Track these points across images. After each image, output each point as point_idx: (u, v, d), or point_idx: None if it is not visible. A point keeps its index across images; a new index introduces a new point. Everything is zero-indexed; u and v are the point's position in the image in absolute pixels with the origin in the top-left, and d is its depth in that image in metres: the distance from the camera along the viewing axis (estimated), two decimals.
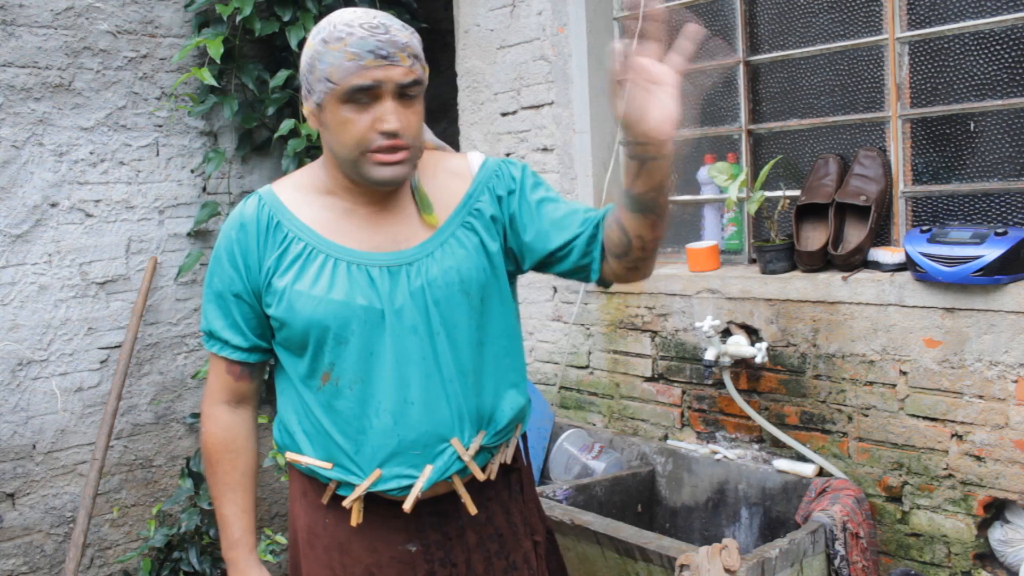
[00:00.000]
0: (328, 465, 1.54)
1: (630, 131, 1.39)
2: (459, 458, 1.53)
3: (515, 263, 1.62)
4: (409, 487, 1.51)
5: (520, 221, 1.58)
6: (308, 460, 1.55)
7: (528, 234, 1.58)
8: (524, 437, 1.77)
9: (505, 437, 1.61)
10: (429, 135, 1.67)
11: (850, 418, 2.40)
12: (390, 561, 1.56)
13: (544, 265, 1.60)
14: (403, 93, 1.43)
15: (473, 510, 1.56)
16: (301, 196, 1.56)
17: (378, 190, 1.51)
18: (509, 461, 1.64)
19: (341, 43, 1.40)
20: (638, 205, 1.44)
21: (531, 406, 1.70)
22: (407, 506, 1.50)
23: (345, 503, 1.53)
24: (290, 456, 1.58)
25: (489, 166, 1.61)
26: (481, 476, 1.56)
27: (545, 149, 3.15)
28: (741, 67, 2.76)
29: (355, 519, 1.54)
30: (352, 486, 1.53)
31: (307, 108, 1.49)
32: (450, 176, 1.59)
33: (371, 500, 1.55)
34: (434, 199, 1.56)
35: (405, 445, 1.50)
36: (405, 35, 1.44)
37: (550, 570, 1.73)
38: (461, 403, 1.53)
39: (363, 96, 1.41)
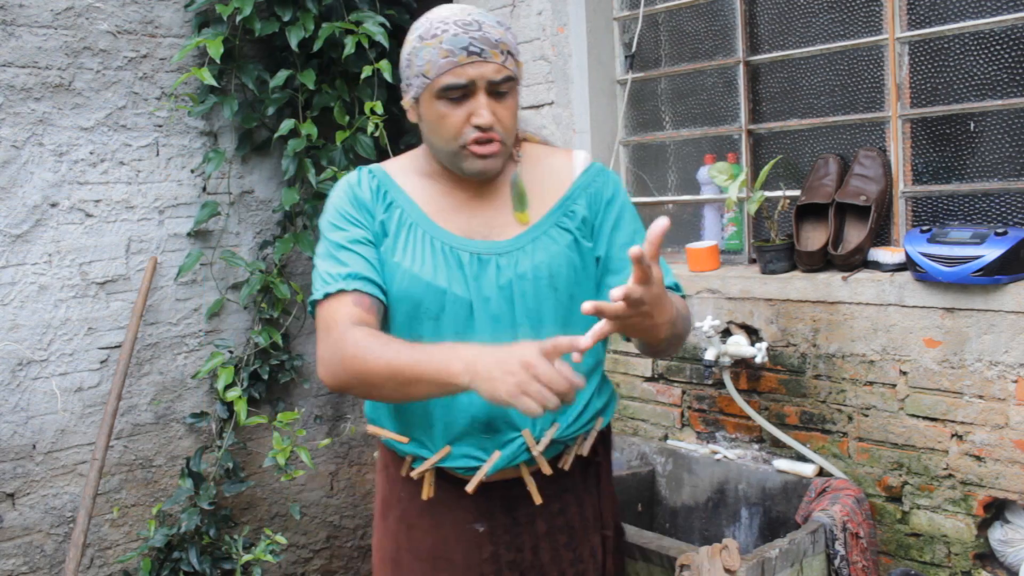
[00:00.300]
0: (405, 439, 1.57)
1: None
2: (528, 449, 1.56)
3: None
4: (476, 468, 1.54)
5: (600, 239, 1.62)
6: (388, 433, 1.58)
7: (599, 251, 1.63)
8: (608, 432, 1.76)
9: (582, 430, 1.62)
10: (533, 129, 1.71)
11: (850, 418, 2.40)
12: (456, 538, 1.60)
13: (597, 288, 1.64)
14: (496, 89, 1.49)
15: (538, 499, 1.58)
16: (406, 175, 1.62)
17: (474, 179, 1.58)
18: (586, 454, 1.65)
19: (436, 40, 1.46)
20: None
21: (615, 402, 1.73)
22: (470, 487, 1.53)
23: (413, 474, 1.57)
24: (371, 429, 1.60)
25: (592, 172, 1.65)
26: (547, 470, 1.57)
27: None
28: (741, 67, 2.76)
29: (426, 492, 1.58)
30: (423, 460, 1.57)
31: (405, 101, 1.55)
32: (551, 173, 1.63)
33: (443, 478, 1.59)
34: (532, 194, 1.60)
35: (477, 427, 1.53)
36: (498, 32, 1.49)
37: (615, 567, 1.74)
38: None
39: (456, 91, 1.47)
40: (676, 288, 1.64)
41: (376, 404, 1.63)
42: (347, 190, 1.60)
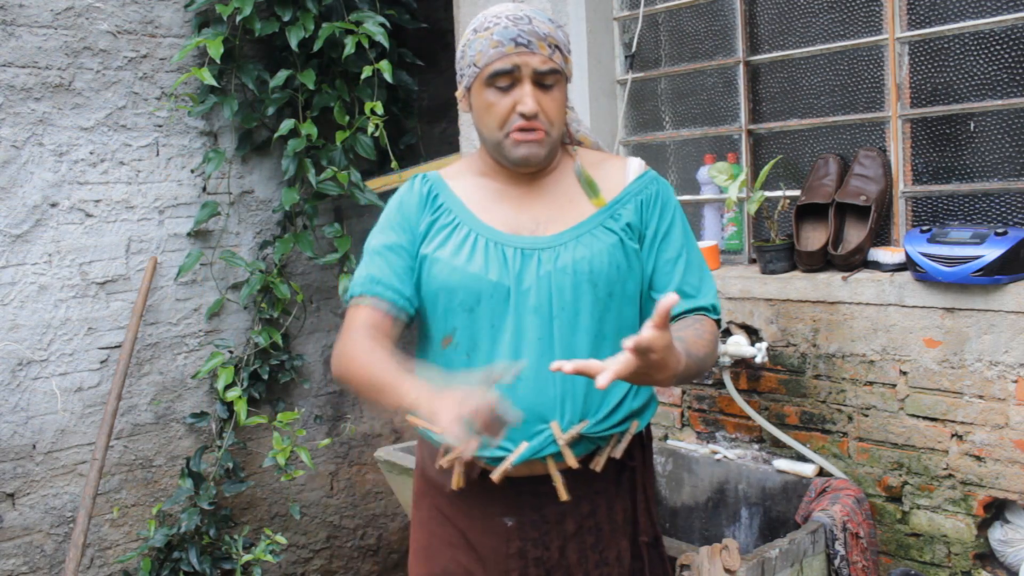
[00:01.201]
0: (438, 429, 1.53)
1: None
2: (555, 441, 1.57)
3: None
4: (503, 458, 1.55)
5: (649, 250, 1.65)
6: (423, 423, 1.54)
7: (647, 263, 1.66)
8: (647, 437, 1.75)
9: (615, 430, 1.62)
10: (584, 130, 1.78)
11: (850, 418, 2.40)
12: (484, 530, 1.62)
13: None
14: (541, 81, 1.55)
15: (563, 495, 1.56)
16: (462, 177, 1.69)
17: (525, 173, 1.63)
18: (619, 456, 1.64)
19: (487, 32, 1.56)
20: None
21: (655, 407, 1.73)
22: (495, 476, 1.53)
23: (443, 462, 1.58)
24: (409, 418, 1.57)
25: (645, 179, 1.68)
26: (573, 464, 1.56)
27: None
28: (741, 67, 2.76)
29: (456, 482, 1.60)
30: (450, 450, 1.57)
31: (459, 92, 1.63)
32: (604, 177, 1.68)
33: (472, 468, 1.60)
34: (581, 193, 1.65)
35: None
36: (547, 27, 1.59)
37: None
38: (568, 388, 1.57)
39: (503, 79, 1.54)
40: (714, 310, 1.67)
41: None
42: (398, 196, 1.69)
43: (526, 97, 1.54)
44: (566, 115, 1.65)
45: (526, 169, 1.62)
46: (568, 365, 1.29)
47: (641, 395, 1.66)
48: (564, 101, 1.61)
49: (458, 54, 1.63)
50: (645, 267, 1.65)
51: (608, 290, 1.59)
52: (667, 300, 1.26)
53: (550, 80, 1.56)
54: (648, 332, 1.26)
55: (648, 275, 1.65)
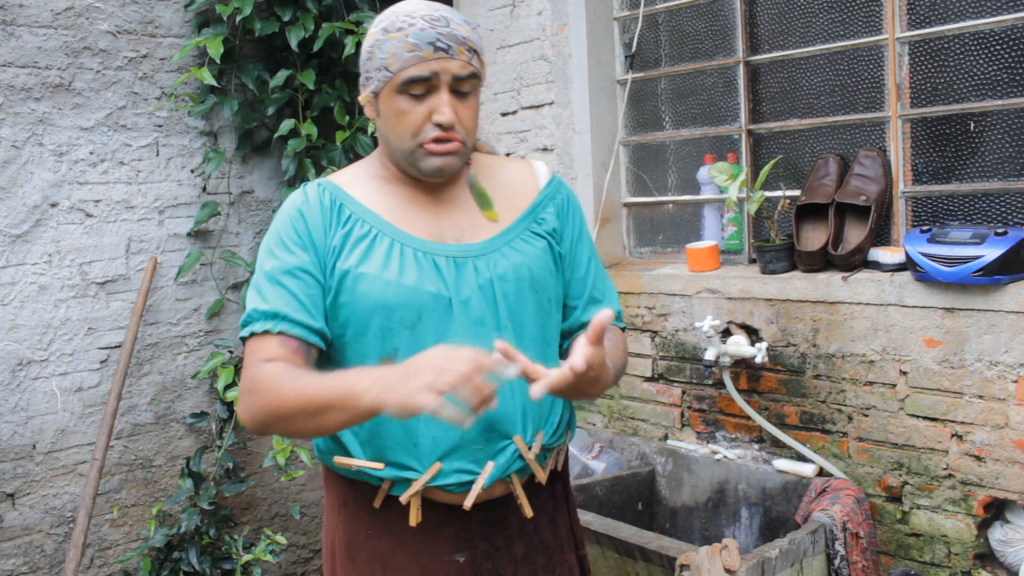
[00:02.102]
0: (380, 465, 1.46)
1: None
2: (520, 456, 1.49)
3: None
4: (469, 483, 1.46)
5: (565, 254, 1.60)
6: (359, 462, 1.46)
7: (565, 267, 1.61)
8: (566, 447, 1.72)
9: (559, 441, 1.57)
10: (484, 137, 1.68)
11: (850, 418, 2.40)
12: (436, 573, 1.49)
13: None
14: (458, 88, 1.44)
15: (530, 512, 1.52)
16: (361, 184, 1.53)
17: (435, 181, 1.51)
18: (560, 467, 1.61)
19: (401, 33, 1.42)
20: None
21: (576, 416, 1.69)
22: (468, 503, 1.44)
23: (403, 498, 1.46)
24: (339, 460, 1.48)
25: (555, 184, 1.62)
26: (543, 476, 1.52)
27: (545, 149, 3.15)
28: (741, 67, 2.76)
29: (414, 518, 1.47)
30: (407, 483, 1.46)
31: (363, 96, 1.49)
32: (512, 181, 1.59)
33: (422, 506, 1.48)
34: (498, 199, 1.55)
35: (468, 439, 1.45)
36: (465, 29, 1.46)
37: None
38: (525, 400, 1.48)
39: (419, 87, 1.42)
40: (618, 318, 1.65)
41: (332, 435, 1.49)
42: (292, 212, 1.48)
43: (443, 107, 1.42)
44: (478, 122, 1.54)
45: (438, 180, 1.50)
46: (516, 363, 1.25)
47: (569, 405, 1.62)
48: (478, 108, 1.51)
49: (364, 54, 1.48)
50: (564, 273, 1.60)
51: (547, 296, 1.54)
52: (602, 317, 1.26)
53: (467, 87, 1.45)
54: (588, 349, 1.27)
55: (565, 281, 1.61)
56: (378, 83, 1.44)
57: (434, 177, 1.48)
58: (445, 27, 1.42)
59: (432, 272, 1.45)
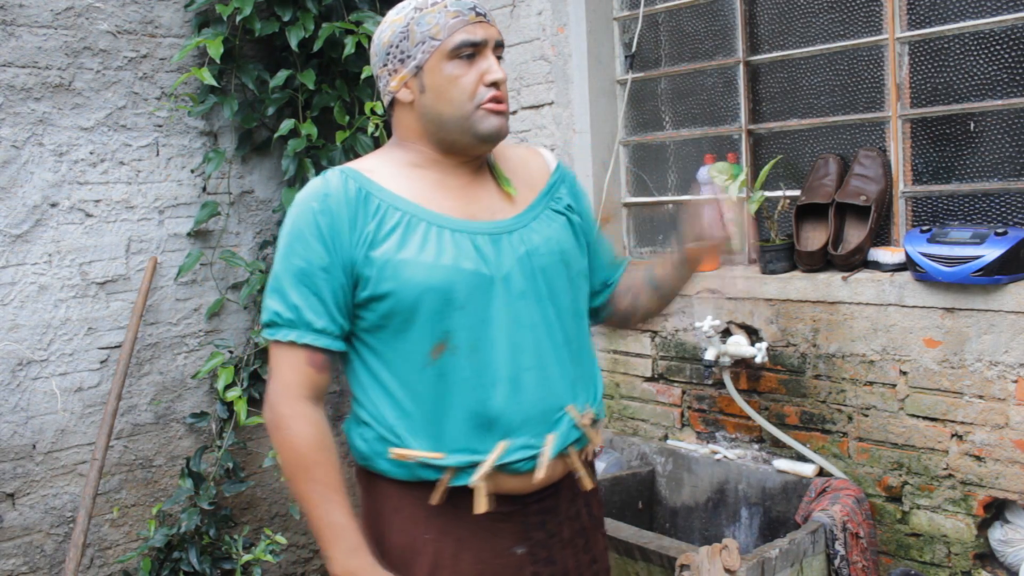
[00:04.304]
0: (441, 455, 1.43)
1: (702, 255, 1.65)
2: (576, 426, 1.51)
3: None
4: (534, 457, 1.46)
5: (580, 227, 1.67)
6: (419, 453, 1.43)
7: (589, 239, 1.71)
8: None
9: (602, 412, 1.60)
10: None
11: (850, 418, 2.40)
12: (498, 570, 1.48)
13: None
14: (496, 50, 1.50)
15: (589, 484, 1.56)
16: (386, 170, 1.51)
17: (467, 163, 1.54)
18: (600, 444, 1.67)
19: (438, 6, 1.47)
20: (662, 289, 1.70)
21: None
22: (540, 474, 1.45)
23: (473, 480, 1.43)
24: (396, 452, 1.44)
25: (561, 167, 1.68)
26: (599, 444, 1.58)
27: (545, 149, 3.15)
28: (741, 67, 2.76)
29: (482, 505, 1.43)
30: (471, 469, 1.44)
31: (397, 80, 1.49)
32: (524, 163, 1.64)
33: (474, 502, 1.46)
34: (516, 179, 1.59)
35: (528, 414, 1.46)
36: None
37: None
38: (571, 371, 1.52)
39: (469, 50, 1.46)
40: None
41: (382, 426, 1.46)
42: (314, 203, 1.45)
43: (494, 67, 1.47)
44: None
45: (490, 146, 1.52)
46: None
47: (601, 378, 1.67)
48: None
49: (392, 39, 1.49)
50: (586, 243, 1.69)
51: (576, 268, 1.58)
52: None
53: (500, 52, 1.51)
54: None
55: (588, 250, 1.70)
56: (424, 55, 1.46)
57: (491, 140, 1.50)
58: (482, 5, 1.50)
59: (472, 251, 1.46)
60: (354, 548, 1.42)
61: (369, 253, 1.43)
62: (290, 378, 1.45)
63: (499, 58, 1.50)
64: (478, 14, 1.47)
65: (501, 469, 1.45)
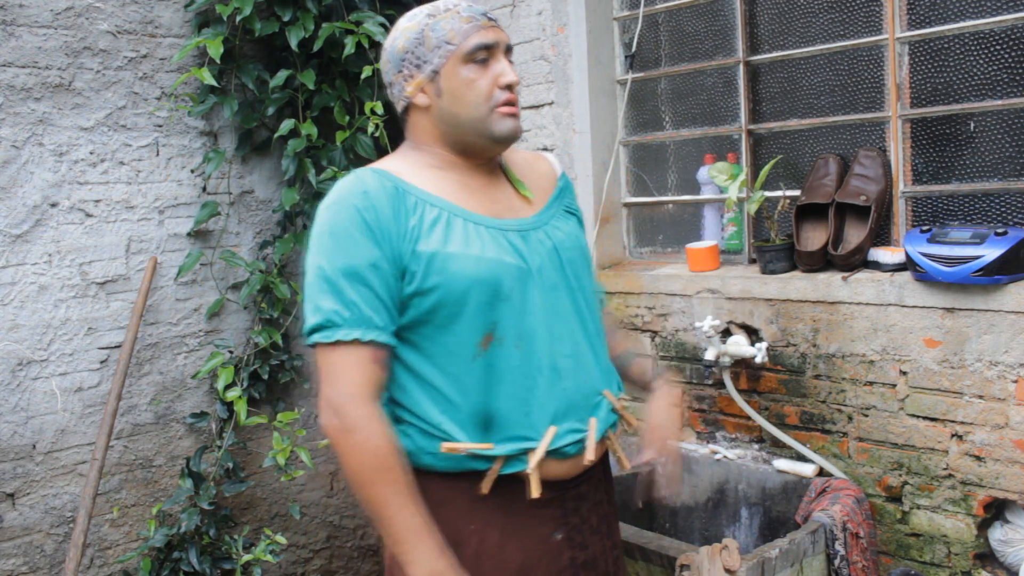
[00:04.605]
0: (490, 445, 1.46)
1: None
2: (613, 409, 1.60)
3: None
4: (581, 441, 1.54)
5: None
6: (468, 445, 1.45)
7: None
8: None
9: (622, 394, 1.69)
10: None
11: (850, 418, 2.40)
12: (540, 556, 1.52)
13: None
14: (508, 57, 1.55)
15: (627, 464, 1.67)
16: (412, 172, 1.54)
17: (482, 165, 1.59)
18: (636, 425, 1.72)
19: (451, 12, 1.52)
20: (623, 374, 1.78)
21: None
22: (590, 455, 1.53)
23: (531, 466, 1.46)
24: (447, 447, 1.44)
25: (565, 175, 1.76)
26: (635, 422, 1.66)
27: (545, 149, 3.15)
28: (741, 67, 2.76)
29: (536, 490, 1.47)
30: (522, 457, 1.47)
31: (413, 86, 1.53)
32: (533, 164, 1.71)
33: (519, 490, 1.48)
34: (531, 176, 1.67)
35: (571, 399, 1.53)
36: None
37: None
38: (602, 357, 1.62)
39: (483, 54, 1.51)
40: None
41: (427, 423, 1.46)
42: (356, 200, 1.44)
43: (507, 70, 1.52)
44: None
45: (504, 147, 1.57)
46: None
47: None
48: None
49: (407, 44, 1.53)
50: None
51: (589, 265, 1.67)
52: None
53: (511, 56, 1.57)
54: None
55: None
56: (440, 59, 1.50)
57: (506, 141, 1.55)
58: (483, 5, 1.59)
59: (508, 245, 1.51)
60: (438, 550, 1.41)
61: (416, 247, 1.44)
62: (358, 378, 1.41)
63: (510, 61, 1.56)
64: (489, 19, 1.53)
65: (551, 455, 1.50)
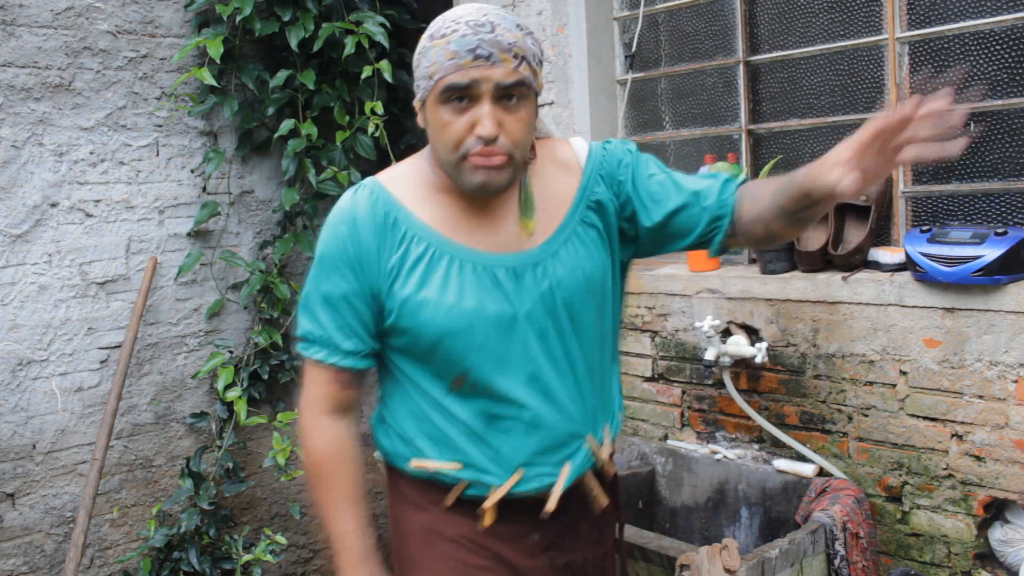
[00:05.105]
0: (458, 466, 1.48)
1: (843, 186, 1.28)
2: (592, 455, 1.54)
3: (633, 249, 1.59)
4: (549, 486, 1.49)
5: (637, 203, 1.54)
6: (436, 464, 1.49)
7: (646, 216, 1.53)
8: None
9: (619, 429, 1.63)
10: (543, 124, 1.61)
11: (850, 418, 2.40)
12: (518, 550, 1.53)
13: (664, 240, 1.56)
14: (505, 95, 1.37)
15: (605, 501, 1.57)
16: (413, 192, 1.48)
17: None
18: (614, 473, 1.66)
19: (444, 40, 1.37)
20: (797, 219, 1.45)
21: None
22: (551, 506, 1.48)
23: (486, 505, 1.48)
24: (416, 463, 1.50)
25: (596, 154, 1.56)
26: (613, 469, 1.59)
27: None
28: (741, 67, 2.76)
29: (488, 520, 1.49)
30: (484, 486, 1.48)
31: (416, 104, 1.46)
32: (559, 168, 1.54)
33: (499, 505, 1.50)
34: (546, 194, 1.51)
35: (546, 446, 1.48)
36: (513, 35, 1.37)
37: None
38: (592, 401, 1.54)
39: (460, 96, 1.36)
40: (729, 183, 1.55)
41: (402, 436, 1.53)
42: (344, 228, 1.45)
43: (484, 119, 1.35)
44: (532, 134, 1.45)
45: (484, 196, 1.45)
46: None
47: (621, 393, 1.69)
48: (531, 119, 1.42)
49: (414, 61, 1.44)
50: (639, 208, 1.54)
51: (602, 292, 1.53)
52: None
53: (516, 93, 1.37)
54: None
55: (646, 199, 1.53)
56: (423, 92, 1.40)
57: (478, 193, 1.42)
58: (489, 33, 1.35)
59: (493, 289, 1.44)
60: (361, 557, 1.50)
61: (392, 287, 1.44)
62: (316, 393, 1.51)
63: (510, 103, 1.37)
64: (478, 57, 1.34)
65: (512, 494, 1.49)
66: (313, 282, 1.49)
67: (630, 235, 1.57)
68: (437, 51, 1.37)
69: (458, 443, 1.48)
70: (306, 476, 1.54)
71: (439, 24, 1.40)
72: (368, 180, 1.51)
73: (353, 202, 1.47)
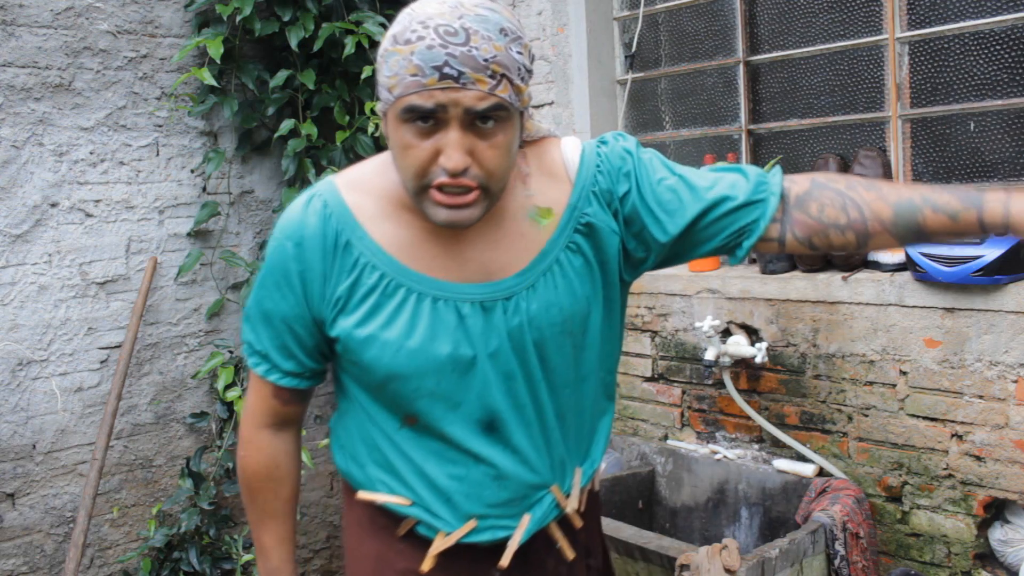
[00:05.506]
0: (408, 502, 1.35)
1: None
2: (558, 505, 1.39)
3: (645, 267, 1.39)
4: (505, 538, 1.35)
5: (647, 216, 1.32)
6: (384, 498, 1.36)
7: (659, 230, 1.32)
8: None
9: (591, 476, 1.46)
10: (538, 125, 1.38)
11: (850, 418, 2.40)
12: (474, 572, 1.39)
13: (681, 253, 1.36)
14: (481, 116, 1.15)
15: (571, 555, 1.42)
16: (375, 205, 1.29)
17: None
18: (597, 487, 1.52)
19: (408, 47, 1.14)
20: (921, 238, 1.30)
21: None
22: (504, 561, 1.33)
23: (431, 553, 1.34)
24: (363, 496, 1.38)
25: (588, 163, 1.33)
26: (579, 523, 1.42)
27: None
28: (741, 67, 2.76)
29: (427, 564, 1.34)
30: (433, 527, 1.35)
31: (379, 111, 1.24)
32: (546, 178, 1.33)
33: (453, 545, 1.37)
34: (528, 210, 1.32)
35: (504, 499, 1.34)
36: (492, 46, 1.14)
37: None
38: (561, 449, 1.37)
39: (423, 118, 1.15)
40: (762, 182, 1.34)
41: (356, 460, 1.40)
42: (293, 244, 1.28)
43: (450, 149, 1.14)
44: (513, 160, 1.23)
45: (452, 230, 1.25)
46: None
47: (611, 415, 1.50)
48: (511, 143, 1.20)
49: (376, 61, 1.21)
50: (647, 221, 1.33)
51: (583, 328, 1.34)
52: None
53: (492, 116, 1.15)
54: None
55: (662, 223, 1.32)
56: (384, 104, 1.20)
57: (446, 227, 1.23)
58: (462, 45, 1.12)
59: (454, 327, 1.27)
60: (272, 570, 1.48)
61: (336, 319, 1.29)
62: (257, 405, 1.42)
63: (485, 126, 1.16)
64: (444, 76, 1.12)
65: (464, 542, 1.36)
66: (256, 294, 1.35)
67: (638, 254, 1.36)
68: (399, 60, 1.14)
69: (408, 481, 1.34)
70: (239, 483, 1.49)
71: (405, 23, 1.16)
72: (324, 186, 1.31)
73: (303, 216, 1.29)
